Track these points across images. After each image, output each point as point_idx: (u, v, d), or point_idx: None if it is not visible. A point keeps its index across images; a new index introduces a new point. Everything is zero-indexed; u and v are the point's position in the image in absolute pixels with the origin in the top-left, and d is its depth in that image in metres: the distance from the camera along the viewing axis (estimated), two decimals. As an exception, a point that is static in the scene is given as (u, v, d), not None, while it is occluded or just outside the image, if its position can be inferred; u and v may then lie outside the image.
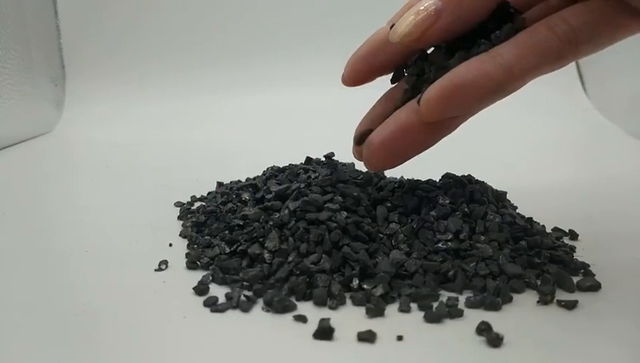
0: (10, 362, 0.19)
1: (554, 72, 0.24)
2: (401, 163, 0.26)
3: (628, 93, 0.62)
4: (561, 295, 0.23)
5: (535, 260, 0.24)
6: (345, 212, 0.25)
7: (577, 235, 0.29)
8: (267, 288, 0.23)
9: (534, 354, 0.19)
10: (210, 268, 0.26)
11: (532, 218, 0.28)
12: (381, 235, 0.25)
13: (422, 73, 0.27)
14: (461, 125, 0.27)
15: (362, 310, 0.22)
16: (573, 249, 0.27)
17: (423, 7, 0.24)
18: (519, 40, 0.23)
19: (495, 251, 0.24)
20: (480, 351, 0.19)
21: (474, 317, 0.21)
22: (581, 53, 0.24)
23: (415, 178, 0.29)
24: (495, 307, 0.22)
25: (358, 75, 0.28)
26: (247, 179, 0.36)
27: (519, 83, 0.24)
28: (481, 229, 0.25)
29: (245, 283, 0.24)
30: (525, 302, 0.22)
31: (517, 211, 0.29)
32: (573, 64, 0.76)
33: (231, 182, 0.37)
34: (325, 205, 0.26)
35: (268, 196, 0.29)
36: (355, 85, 0.29)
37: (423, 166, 0.29)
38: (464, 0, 0.24)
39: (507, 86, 0.23)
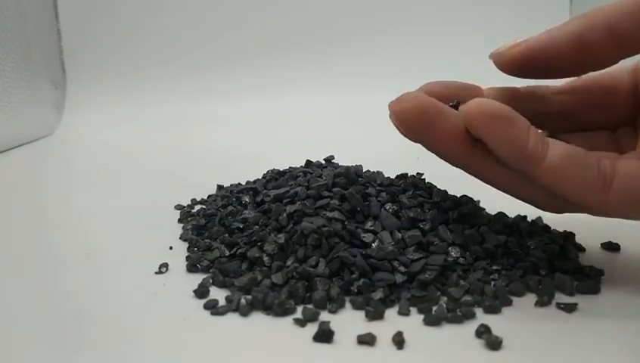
0: (11, 365, 0.19)
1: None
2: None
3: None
4: (561, 298, 0.23)
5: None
6: (339, 217, 0.25)
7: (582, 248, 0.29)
8: (265, 292, 0.23)
9: (533, 357, 0.19)
10: (210, 271, 0.26)
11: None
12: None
13: None
14: None
15: (362, 313, 0.22)
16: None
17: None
18: (570, 146, 0.23)
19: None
20: (480, 354, 0.19)
21: (473, 320, 0.21)
22: (611, 195, 0.22)
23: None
24: (494, 310, 0.22)
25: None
26: (247, 182, 0.36)
27: (540, 173, 0.22)
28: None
29: (240, 289, 0.24)
30: (524, 305, 0.22)
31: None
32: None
33: (231, 185, 0.38)
34: (322, 213, 0.26)
35: (268, 199, 0.29)
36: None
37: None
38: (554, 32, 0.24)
39: (531, 167, 0.22)
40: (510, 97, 0.27)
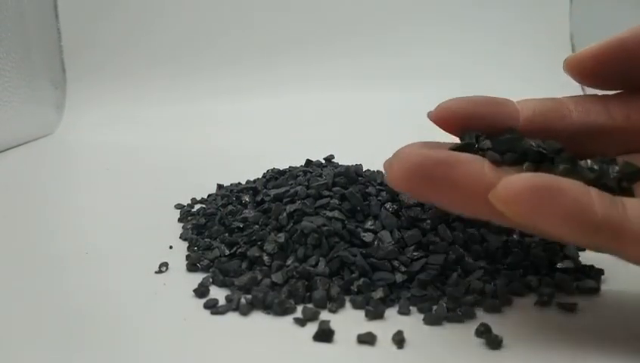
0: (11, 364, 0.19)
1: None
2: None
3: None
4: (561, 298, 0.23)
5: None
6: (340, 217, 0.25)
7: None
8: (265, 291, 0.23)
9: (533, 356, 0.19)
10: (210, 270, 0.26)
11: None
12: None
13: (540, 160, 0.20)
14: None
15: (362, 313, 0.22)
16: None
17: None
18: None
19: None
20: (480, 353, 0.19)
21: (474, 319, 0.21)
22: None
23: None
24: (494, 309, 0.22)
25: (450, 117, 0.21)
26: (247, 182, 0.36)
27: (624, 247, 0.17)
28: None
29: (240, 289, 0.24)
30: (524, 304, 0.22)
31: None
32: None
33: (231, 185, 0.38)
34: (322, 212, 0.26)
35: (268, 198, 0.29)
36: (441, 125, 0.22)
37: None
38: None
39: (609, 241, 0.17)
40: (553, 111, 0.22)
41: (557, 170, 0.19)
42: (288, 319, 0.21)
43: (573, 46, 0.75)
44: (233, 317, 0.22)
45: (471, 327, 0.20)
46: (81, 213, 0.36)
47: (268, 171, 0.35)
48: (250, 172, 0.37)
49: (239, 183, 0.37)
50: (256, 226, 0.27)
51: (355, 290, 0.23)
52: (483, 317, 0.21)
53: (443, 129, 0.22)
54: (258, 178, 0.35)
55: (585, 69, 0.21)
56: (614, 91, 0.22)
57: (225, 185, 0.38)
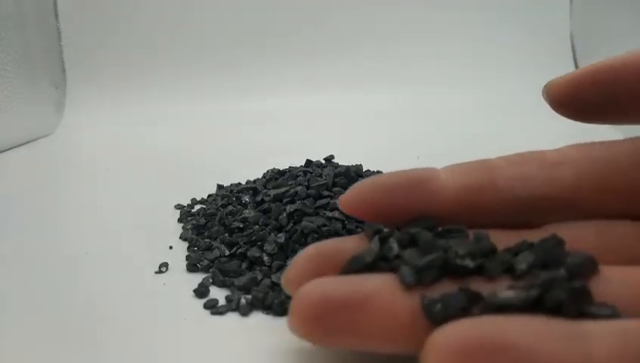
0: (11, 365, 0.19)
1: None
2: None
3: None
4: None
5: None
6: (340, 217, 0.25)
7: None
8: (265, 291, 0.23)
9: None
10: (210, 270, 0.26)
11: None
12: None
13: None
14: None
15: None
16: None
17: None
18: (624, 333, 0.14)
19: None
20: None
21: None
22: None
23: None
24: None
25: (361, 206, 0.19)
26: (247, 182, 0.36)
27: None
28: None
29: (240, 289, 0.24)
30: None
31: None
32: (570, 63, 0.76)
33: (231, 185, 0.38)
34: (323, 212, 0.26)
35: (268, 198, 0.29)
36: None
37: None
38: None
39: None
40: (484, 176, 0.19)
41: (491, 301, 0.15)
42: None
43: (573, 46, 0.75)
44: (233, 317, 0.22)
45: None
46: (81, 213, 0.36)
47: (268, 171, 0.35)
48: (250, 172, 0.37)
49: (239, 183, 0.37)
50: (256, 226, 0.27)
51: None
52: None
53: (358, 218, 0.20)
54: (258, 179, 0.35)
55: (561, 97, 0.20)
56: (591, 122, 0.20)
57: (225, 185, 0.38)
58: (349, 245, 0.18)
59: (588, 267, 0.16)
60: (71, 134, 0.65)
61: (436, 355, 0.13)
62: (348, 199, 0.19)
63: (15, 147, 0.57)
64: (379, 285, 0.16)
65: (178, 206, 0.36)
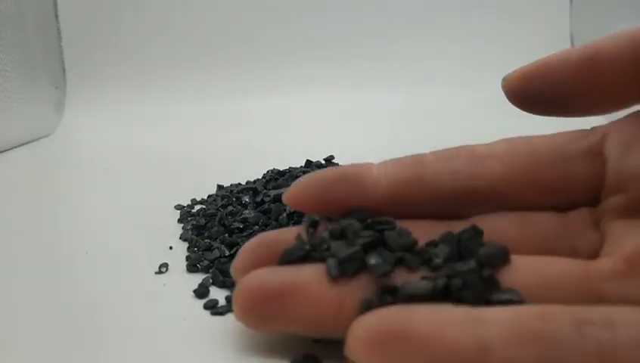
0: (11, 365, 0.19)
1: None
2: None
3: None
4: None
5: None
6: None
7: None
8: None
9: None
10: (210, 271, 0.26)
11: None
12: None
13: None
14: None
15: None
16: None
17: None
18: (520, 318, 0.15)
19: None
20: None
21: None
22: None
23: None
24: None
25: (302, 200, 0.20)
26: (247, 182, 0.36)
27: None
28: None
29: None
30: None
31: None
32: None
33: (231, 185, 0.38)
34: None
35: (268, 199, 0.29)
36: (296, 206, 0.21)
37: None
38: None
39: None
40: (414, 171, 0.20)
41: (407, 290, 0.17)
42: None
43: (573, 46, 0.75)
44: (233, 317, 0.22)
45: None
46: (81, 213, 0.36)
47: (268, 171, 0.35)
48: (250, 172, 0.37)
49: (239, 184, 0.37)
50: (256, 227, 0.27)
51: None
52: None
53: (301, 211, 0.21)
54: (258, 179, 0.35)
55: (514, 90, 0.20)
56: (544, 115, 0.21)
57: (225, 186, 0.38)
58: (289, 236, 0.19)
59: (500, 257, 0.18)
60: (71, 134, 0.65)
61: (355, 345, 0.15)
62: (291, 194, 0.20)
63: (15, 147, 0.57)
64: (308, 276, 0.18)
65: (178, 207, 0.36)
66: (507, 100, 0.21)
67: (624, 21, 0.66)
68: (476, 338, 0.15)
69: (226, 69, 0.74)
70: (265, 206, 0.28)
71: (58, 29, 0.71)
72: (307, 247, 0.19)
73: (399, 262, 0.18)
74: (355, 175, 0.20)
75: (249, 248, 0.19)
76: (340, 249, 0.18)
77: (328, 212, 0.20)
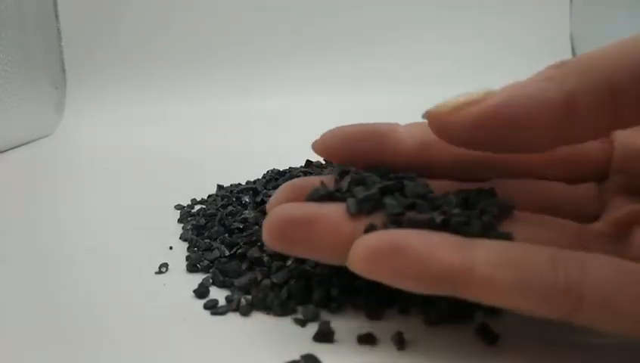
0: (11, 365, 0.19)
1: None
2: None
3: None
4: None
5: None
6: None
7: None
8: (265, 292, 0.23)
9: (532, 356, 0.19)
10: (210, 271, 0.26)
11: None
12: None
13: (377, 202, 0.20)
14: None
15: (362, 313, 0.22)
16: None
17: (474, 92, 0.18)
18: (505, 248, 0.17)
19: None
20: (480, 353, 0.19)
21: (473, 319, 0.21)
22: (579, 316, 0.16)
23: None
24: (494, 309, 0.22)
25: (329, 150, 0.22)
26: (247, 182, 0.36)
27: (474, 292, 0.17)
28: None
29: (240, 289, 0.24)
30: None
31: None
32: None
33: (231, 185, 0.38)
34: None
35: (268, 199, 0.29)
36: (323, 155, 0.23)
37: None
38: (532, 87, 0.17)
39: (458, 289, 0.17)
40: (437, 140, 0.21)
41: (410, 218, 0.19)
42: (288, 319, 0.21)
43: (572, 46, 0.75)
44: (233, 317, 0.22)
45: (471, 327, 0.20)
46: (80, 214, 0.36)
47: (268, 171, 0.35)
48: (250, 172, 0.37)
49: (239, 184, 0.37)
50: (256, 227, 0.27)
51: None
52: (482, 317, 0.21)
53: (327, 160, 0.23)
54: (258, 179, 0.35)
55: (464, 135, 0.19)
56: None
57: (225, 186, 0.38)
58: (316, 181, 0.21)
59: (502, 208, 0.19)
60: (71, 134, 0.65)
61: (354, 257, 0.17)
62: (319, 143, 0.22)
63: (15, 147, 0.57)
64: (330, 211, 0.19)
65: (178, 207, 0.36)
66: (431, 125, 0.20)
67: (624, 21, 0.66)
68: (463, 259, 0.17)
69: (226, 69, 0.74)
70: (265, 206, 0.28)
71: (58, 29, 0.71)
72: (331, 189, 0.20)
73: (412, 207, 0.19)
74: (383, 133, 0.22)
75: (282, 189, 0.21)
76: (360, 192, 0.20)
77: (353, 164, 0.22)
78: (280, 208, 0.20)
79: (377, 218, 0.19)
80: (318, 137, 0.22)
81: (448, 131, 0.19)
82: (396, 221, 0.19)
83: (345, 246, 0.18)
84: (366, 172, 0.21)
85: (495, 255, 0.17)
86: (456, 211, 0.19)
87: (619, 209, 0.20)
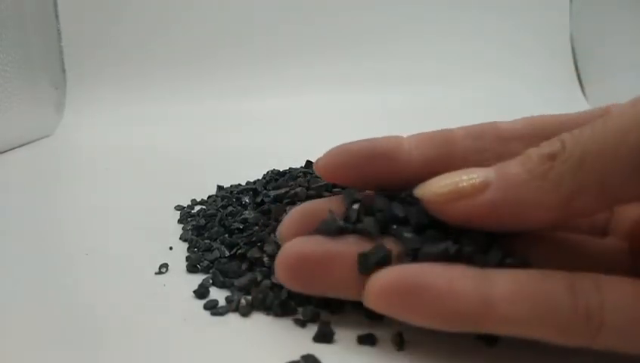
0: (11, 365, 0.19)
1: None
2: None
3: (626, 94, 0.62)
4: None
5: None
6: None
7: None
8: (265, 292, 0.23)
9: (533, 355, 0.19)
10: (210, 271, 0.26)
11: None
12: None
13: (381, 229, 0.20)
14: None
15: (362, 313, 0.22)
16: None
17: (466, 176, 0.18)
18: (522, 279, 0.17)
19: None
20: (480, 353, 0.19)
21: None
22: (600, 341, 0.16)
23: None
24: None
25: (335, 174, 0.22)
26: (247, 183, 0.36)
27: (494, 327, 0.17)
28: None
29: (240, 290, 0.24)
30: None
31: None
32: (569, 63, 0.76)
33: (231, 186, 0.38)
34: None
35: (268, 199, 0.29)
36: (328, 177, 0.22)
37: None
38: (528, 188, 0.17)
39: (479, 326, 0.17)
40: (444, 149, 0.21)
41: (425, 252, 0.19)
42: (288, 320, 0.21)
43: (572, 46, 0.75)
44: (233, 318, 0.22)
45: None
46: (81, 214, 0.36)
47: (268, 172, 0.35)
48: (250, 173, 0.37)
49: (239, 184, 0.37)
50: (256, 227, 0.27)
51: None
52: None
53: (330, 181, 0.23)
54: (258, 179, 0.35)
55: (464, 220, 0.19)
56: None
57: (225, 186, 0.38)
58: (325, 206, 0.21)
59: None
60: (71, 134, 0.65)
61: (371, 296, 0.18)
62: (322, 164, 0.21)
63: (15, 147, 0.57)
64: (343, 248, 0.19)
65: (179, 207, 0.36)
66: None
67: (624, 21, 0.66)
68: (481, 296, 0.17)
69: (226, 69, 0.74)
70: (265, 206, 0.28)
71: (58, 29, 0.71)
72: (341, 223, 0.20)
73: (421, 232, 0.20)
74: (389, 152, 0.21)
75: (291, 217, 0.21)
76: (370, 224, 0.20)
77: (358, 185, 0.22)
78: (292, 244, 0.20)
79: (390, 243, 0.19)
80: (320, 154, 0.22)
81: (448, 216, 0.19)
82: (413, 254, 0.19)
83: (360, 285, 0.18)
84: (374, 193, 0.21)
85: (512, 289, 0.17)
86: (467, 239, 0.19)
87: (624, 214, 0.20)
